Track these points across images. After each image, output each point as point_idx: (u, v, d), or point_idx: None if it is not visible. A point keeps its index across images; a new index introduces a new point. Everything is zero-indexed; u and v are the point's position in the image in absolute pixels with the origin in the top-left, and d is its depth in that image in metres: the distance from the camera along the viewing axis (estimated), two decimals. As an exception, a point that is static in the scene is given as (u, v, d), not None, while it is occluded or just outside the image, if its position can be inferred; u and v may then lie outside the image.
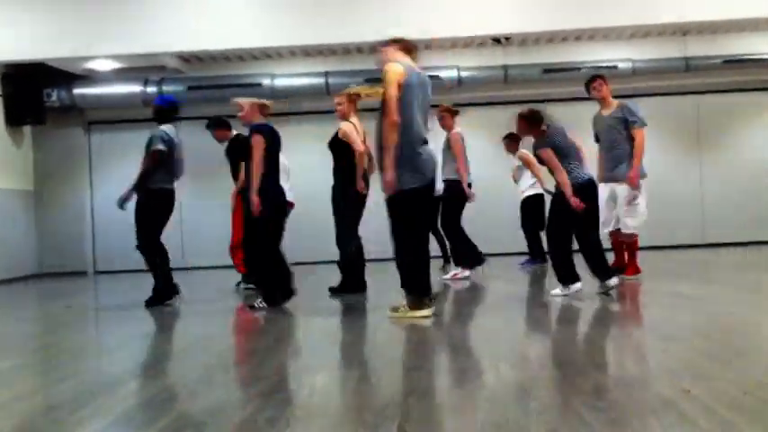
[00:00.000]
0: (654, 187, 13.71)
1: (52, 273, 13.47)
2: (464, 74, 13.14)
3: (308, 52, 13.34)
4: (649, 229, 13.50)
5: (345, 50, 12.94)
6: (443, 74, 12.84)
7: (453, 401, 3.46)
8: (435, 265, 8.76)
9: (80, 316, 7.56)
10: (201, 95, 13.05)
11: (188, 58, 13.34)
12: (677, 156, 13.83)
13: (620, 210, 7.98)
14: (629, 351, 4.38)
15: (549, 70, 12.72)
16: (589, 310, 6.39)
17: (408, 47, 6.00)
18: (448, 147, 8.97)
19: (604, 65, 13.12)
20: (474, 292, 8.15)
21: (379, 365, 4.48)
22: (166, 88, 13.21)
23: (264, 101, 7.17)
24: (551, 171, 6.78)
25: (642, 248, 13.07)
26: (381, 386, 3.79)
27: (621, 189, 7.93)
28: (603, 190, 7.69)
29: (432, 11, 10.40)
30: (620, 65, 13.18)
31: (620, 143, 7.89)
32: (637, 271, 8.10)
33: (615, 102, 8.06)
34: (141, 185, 7.37)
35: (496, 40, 12.90)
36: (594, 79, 8.11)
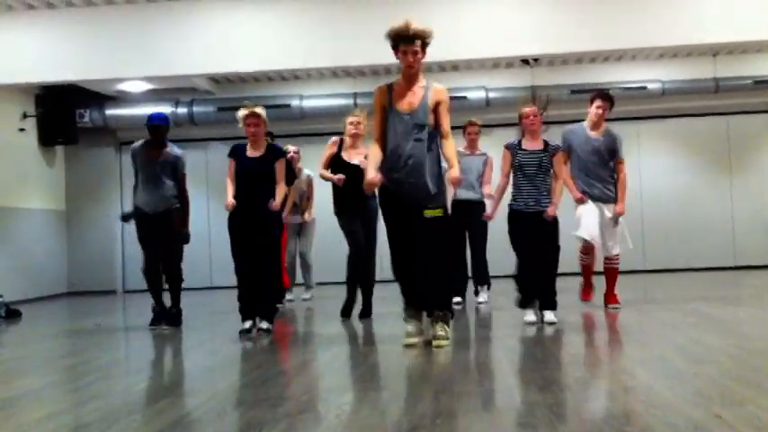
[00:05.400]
0: (684, 209, 13.80)
1: (82, 291, 13.61)
2: (492, 94, 13.14)
3: (337, 73, 13.43)
4: (680, 251, 13.56)
5: (374, 71, 13.00)
6: (471, 94, 12.89)
7: (481, 425, 3.44)
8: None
9: (109, 335, 7.61)
10: (231, 116, 13.15)
11: (218, 80, 13.51)
12: (707, 177, 13.72)
13: (607, 231, 7.61)
14: (659, 374, 4.33)
15: (578, 91, 12.68)
16: (616, 333, 6.34)
17: None
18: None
19: (633, 85, 13.11)
20: (496, 314, 8.10)
21: (406, 387, 4.47)
22: (197, 109, 13.41)
23: None
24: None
25: (673, 270, 13.11)
26: (409, 408, 3.78)
27: (608, 210, 7.63)
28: (593, 208, 7.56)
29: (460, 32, 10.39)
30: (650, 85, 13.15)
31: (606, 167, 7.72)
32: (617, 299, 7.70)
33: (604, 125, 7.84)
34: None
35: (525, 61, 12.89)
36: (605, 99, 7.81)
